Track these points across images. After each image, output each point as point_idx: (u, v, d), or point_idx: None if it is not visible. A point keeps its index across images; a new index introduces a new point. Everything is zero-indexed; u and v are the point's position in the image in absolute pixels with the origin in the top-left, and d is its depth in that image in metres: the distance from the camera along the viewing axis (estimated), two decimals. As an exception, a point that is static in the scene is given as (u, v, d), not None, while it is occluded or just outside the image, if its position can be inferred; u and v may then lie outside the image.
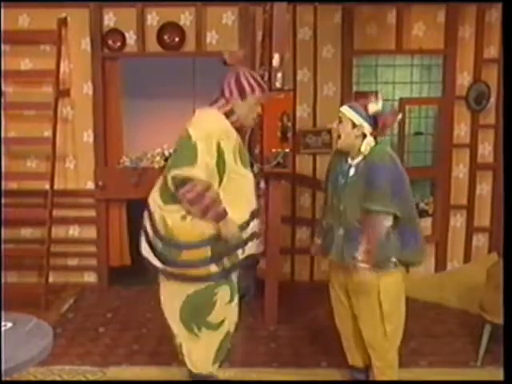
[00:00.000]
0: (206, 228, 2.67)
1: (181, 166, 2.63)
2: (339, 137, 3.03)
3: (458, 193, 5.16)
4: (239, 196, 2.75)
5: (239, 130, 2.81)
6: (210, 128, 2.66)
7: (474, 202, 5.17)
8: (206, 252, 2.69)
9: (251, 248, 2.87)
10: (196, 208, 2.63)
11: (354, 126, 2.96)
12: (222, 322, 2.88)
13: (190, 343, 2.90)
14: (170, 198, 2.70)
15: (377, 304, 2.99)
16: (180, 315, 2.86)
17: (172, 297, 2.88)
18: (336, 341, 3.50)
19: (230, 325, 2.94)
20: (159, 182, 2.81)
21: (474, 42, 4.96)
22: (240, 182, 2.76)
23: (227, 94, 2.73)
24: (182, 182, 2.61)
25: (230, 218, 2.69)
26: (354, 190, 2.96)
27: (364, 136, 2.96)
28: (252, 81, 2.74)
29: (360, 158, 2.97)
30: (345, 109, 3.02)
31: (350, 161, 3.03)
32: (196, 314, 2.83)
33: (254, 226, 2.83)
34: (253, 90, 2.73)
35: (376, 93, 5.19)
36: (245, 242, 2.81)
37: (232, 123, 2.74)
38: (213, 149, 2.62)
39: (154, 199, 2.78)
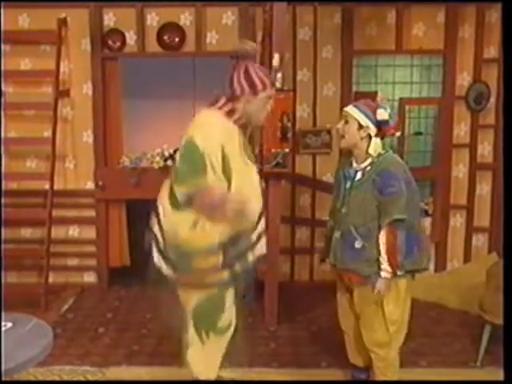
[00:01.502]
0: (216, 234, 2.60)
1: (190, 181, 2.55)
2: (343, 136, 2.99)
3: (457, 193, 5.16)
4: (249, 197, 2.70)
5: (242, 127, 2.73)
6: (214, 132, 2.55)
7: (474, 201, 5.18)
8: (218, 258, 2.62)
9: (259, 249, 2.81)
10: (213, 216, 2.57)
11: (360, 126, 2.93)
12: (229, 325, 2.84)
13: (196, 350, 2.85)
14: (179, 203, 2.62)
15: (379, 307, 2.98)
16: (191, 321, 2.81)
17: (184, 303, 2.83)
18: (336, 341, 3.50)
19: (233, 327, 2.89)
20: (167, 185, 2.70)
21: (474, 42, 4.96)
22: (248, 182, 2.68)
23: (238, 91, 2.60)
24: (193, 196, 2.54)
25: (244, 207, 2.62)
26: (358, 194, 2.94)
27: (369, 137, 2.94)
28: (263, 76, 2.63)
29: (368, 162, 2.95)
30: (351, 109, 2.97)
31: (355, 165, 3.00)
32: (206, 320, 2.78)
33: (261, 226, 2.77)
34: (264, 86, 2.62)
35: (376, 93, 5.20)
36: (254, 244, 2.75)
37: (235, 121, 2.63)
38: (219, 156, 2.53)
39: (163, 204, 2.68)
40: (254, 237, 2.73)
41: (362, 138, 2.94)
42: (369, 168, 2.94)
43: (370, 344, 3.09)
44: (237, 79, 2.62)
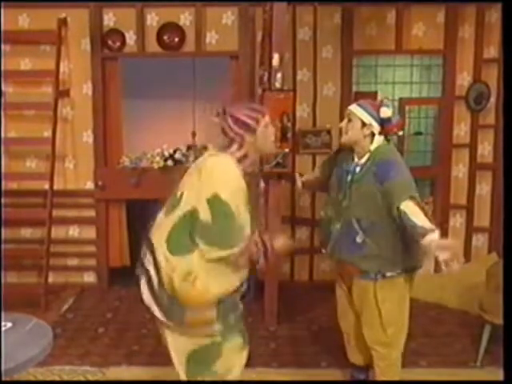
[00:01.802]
0: (212, 290, 2.53)
1: (231, 243, 2.47)
2: (346, 133, 3.00)
3: (457, 193, 5.16)
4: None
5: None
6: (236, 185, 2.51)
7: (474, 201, 5.18)
8: (212, 314, 2.56)
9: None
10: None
11: (364, 124, 2.94)
12: (227, 371, 2.72)
13: None
14: (180, 248, 2.51)
15: (375, 305, 2.99)
16: (184, 368, 2.72)
17: (175, 349, 2.73)
18: (336, 341, 3.50)
19: (238, 371, 2.77)
20: (167, 226, 2.56)
21: (474, 42, 4.96)
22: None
23: (238, 138, 2.58)
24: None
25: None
26: (360, 187, 2.95)
27: (373, 135, 2.96)
28: (250, 112, 2.62)
29: (367, 156, 2.97)
30: (354, 108, 3.00)
31: (356, 159, 3.02)
32: (200, 367, 2.69)
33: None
34: (257, 121, 2.61)
35: (376, 93, 5.20)
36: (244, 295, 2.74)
37: (245, 168, 2.61)
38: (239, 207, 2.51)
39: (161, 245, 2.56)
40: (244, 286, 2.70)
41: (365, 136, 2.96)
42: (369, 161, 2.96)
43: (371, 342, 3.09)
44: (230, 129, 2.59)
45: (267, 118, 2.67)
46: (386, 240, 2.91)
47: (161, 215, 2.63)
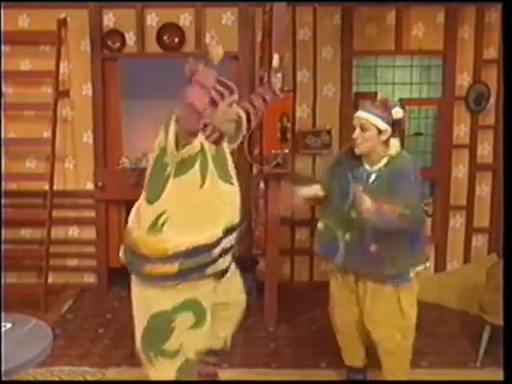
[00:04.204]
0: (172, 244, 2.54)
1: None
2: (363, 143, 2.89)
3: (457, 193, 5.15)
4: (207, 212, 2.60)
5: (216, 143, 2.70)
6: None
7: (474, 202, 5.17)
8: (173, 268, 2.56)
9: (220, 264, 2.69)
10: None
11: (379, 131, 2.86)
12: (179, 349, 2.72)
13: (147, 369, 2.80)
14: (156, 192, 2.66)
15: (397, 308, 2.97)
16: (140, 338, 2.79)
17: (136, 316, 2.83)
18: (335, 341, 3.50)
19: (189, 352, 2.75)
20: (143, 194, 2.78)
21: (474, 42, 4.95)
22: (210, 195, 2.61)
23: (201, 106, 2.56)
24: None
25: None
26: (372, 197, 2.81)
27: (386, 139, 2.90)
28: (218, 86, 2.63)
29: (383, 162, 2.91)
30: (368, 116, 2.87)
31: (368, 167, 2.95)
32: (153, 340, 2.72)
33: (226, 242, 2.66)
34: (222, 96, 2.64)
35: (376, 93, 5.21)
36: (215, 260, 2.65)
37: (207, 137, 2.64)
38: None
39: (137, 207, 2.82)
40: (216, 251, 2.63)
41: (381, 143, 2.88)
42: (383, 168, 2.91)
43: (388, 346, 3.06)
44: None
45: (235, 97, 2.67)
46: (398, 243, 2.88)
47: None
